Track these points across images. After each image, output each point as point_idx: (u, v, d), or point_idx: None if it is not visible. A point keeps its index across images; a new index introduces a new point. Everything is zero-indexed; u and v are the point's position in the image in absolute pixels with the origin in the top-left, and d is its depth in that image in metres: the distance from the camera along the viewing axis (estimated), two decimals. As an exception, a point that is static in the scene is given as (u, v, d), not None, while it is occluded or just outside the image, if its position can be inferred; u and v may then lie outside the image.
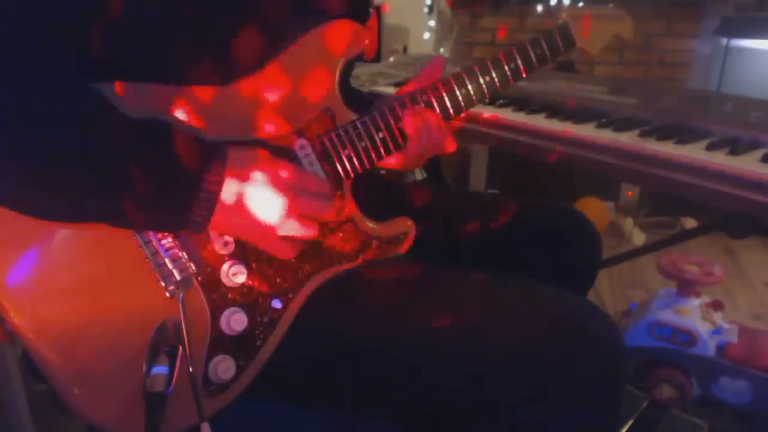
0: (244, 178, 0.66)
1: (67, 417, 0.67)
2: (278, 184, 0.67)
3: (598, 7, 0.92)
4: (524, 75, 0.84)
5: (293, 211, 0.68)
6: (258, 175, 0.66)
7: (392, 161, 0.84)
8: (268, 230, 0.68)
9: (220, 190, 0.64)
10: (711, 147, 1.06)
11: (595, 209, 2.90)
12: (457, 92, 0.82)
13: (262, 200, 0.66)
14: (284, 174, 0.68)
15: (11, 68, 0.58)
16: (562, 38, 0.86)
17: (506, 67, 0.83)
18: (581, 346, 0.71)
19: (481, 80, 0.82)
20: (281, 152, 0.73)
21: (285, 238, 0.70)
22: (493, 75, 0.82)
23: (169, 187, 0.62)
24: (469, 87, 0.82)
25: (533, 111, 1.36)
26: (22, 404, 1.35)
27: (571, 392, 0.70)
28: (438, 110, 0.82)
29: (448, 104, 0.82)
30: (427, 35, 3.29)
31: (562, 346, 0.71)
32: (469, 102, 0.83)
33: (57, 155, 0.59)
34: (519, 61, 0.83)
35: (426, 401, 0.75)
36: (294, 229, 0.69)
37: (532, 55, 0.84)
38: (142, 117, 0.63)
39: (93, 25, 0.63)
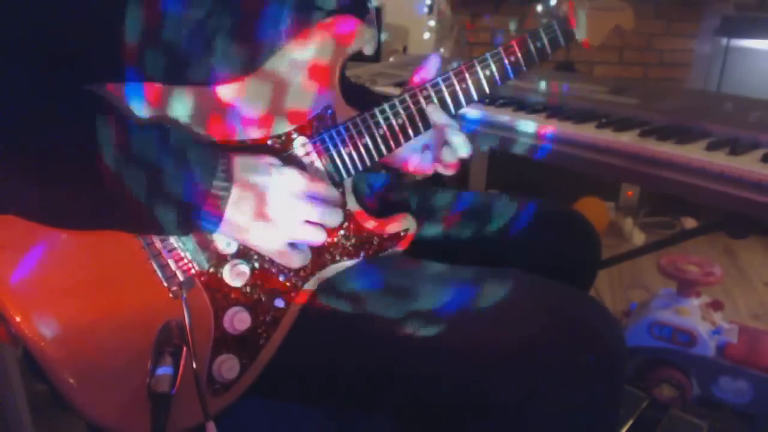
0: (251, 187, 0.66)
1: (67, 417, 0.67)
2: (285, 193, 0.68)
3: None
4: (524, 68, 0.84)
5: (300, 219, 0.69)
6: (265, 184, 0.67)
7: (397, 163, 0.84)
8: (274, 238, 0.69)
9: (228, 200, 0.65)
10: (711, 147, 1.06)
11: (595, 209, 2.90)
12: (457, 87, 0.81)
13: (268, 209, 0.67)
14: (292, 181, 0.69)
15: (12, 70, 0.58)
16: (562, 31, 0.85)
17: (506, 61, 0.82)
18: (582, 343, 0.71)
19: (481, 75, 0.81)
20: (283, 152, 0.73)
21: (293, 246, 0.71)
22: (493, 69, 0.81)
23: (174, 194, 0.62)
24: (469, 82, 0.81)
25: (533, 111, 1.36)
26: (22, 404, 1.35)
27: (572, 390, 0.70)
28: (438, 106, 0.81)
29: (448, 100, 0.82)
30: (427, 35, 3.29)
31: (563, 343, 0.71)
32: (469, 97, 0.82)
33: (59, 159, 0.59)
34: (519, 55, 0.82)
35: (427, 399, 0.75)
36: (301, 236, 0.70)
37: (533, 48, 0.83)
38: (145, 120, 0.64)
39: (94, 26, 0.63)
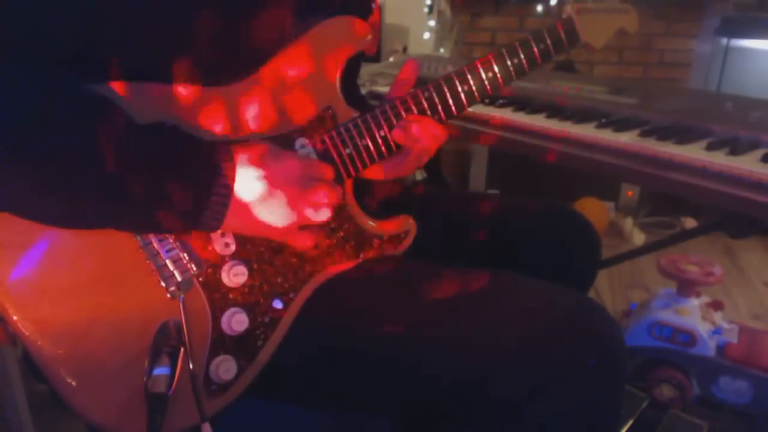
0: (253, 175, 0.66)
1: (67, 417, 0.67)
2: (286, 177, 0.68)
3: (603, 1, 0.90)
4: (527, 71, 0.83)
5: (305, 201, 0.69)
6: (266, 171, 0.67)
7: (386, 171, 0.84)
8: (283, 223, 0.69)
9: (232, 190, 0.65)
10: (711, 147, 1.06)
11: (595, 209, 2.89)
12: (459, 88, 0.81)
13: (273, 195, 0.67)
14: (290, 166, 0.69)
15: (12, 70, 0.58)
16: (566, 33, 0.84)
17: (509, 63, 0.82)
18: (582, 344, 0.71)
19: (484, 76, 0.81)
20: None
21: (301, 228, 0.71)
22: (496, 71, 0.81)
23: (179, 191, 0.62)
24: (471, 83, 0.81)
25: (533, 111, 1.36)
26: (22, 404, 1.35)
27: (572, 390, 0.70)
28: (440, 106, 0.81)
29: (450, 100, 0.81)
30: (427, 35, 3.29)
31: (563, 344, 0.71)
32: (472, 98, 0.81)
33: (59, 159, 0.58)
34: (522, 57, 0.82)
35: (426, 400, 0.75)
36: (308, 217, 0.70)
37: (536, 50, 0.82)
38: (149, 120, 0.63)
39: (94, 24, 0.63)
